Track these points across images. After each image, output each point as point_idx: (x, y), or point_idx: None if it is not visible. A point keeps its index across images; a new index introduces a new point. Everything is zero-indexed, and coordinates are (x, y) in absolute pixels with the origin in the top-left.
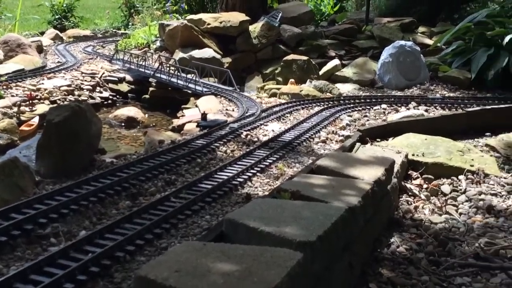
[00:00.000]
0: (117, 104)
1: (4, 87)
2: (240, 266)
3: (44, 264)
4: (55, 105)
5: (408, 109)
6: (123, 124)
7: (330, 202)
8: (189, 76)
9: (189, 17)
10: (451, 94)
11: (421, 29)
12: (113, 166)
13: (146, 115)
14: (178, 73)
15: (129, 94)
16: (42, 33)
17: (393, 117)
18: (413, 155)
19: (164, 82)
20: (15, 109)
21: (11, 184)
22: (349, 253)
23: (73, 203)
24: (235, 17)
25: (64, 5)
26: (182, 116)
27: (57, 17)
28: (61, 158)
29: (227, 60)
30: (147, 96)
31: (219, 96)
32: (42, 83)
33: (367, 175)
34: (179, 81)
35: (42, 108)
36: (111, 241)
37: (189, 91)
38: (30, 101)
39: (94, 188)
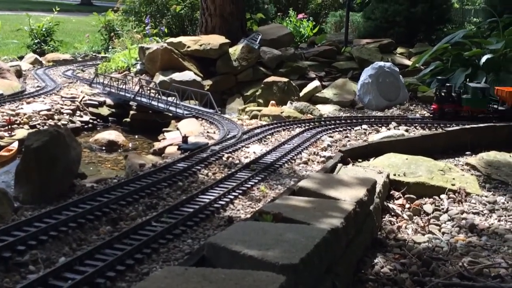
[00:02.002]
0: (98, 128)
1: None
2: None
3: None
4: (34, 129)
5: (389, 129)
6: (103, 148)
7: (313, 224)
8: (169, 99)
9: (169, 40)
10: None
11: (400, 50)
12: (93, 191)
13: (127, 139)
14: (159, 96)
15: (109, 118)
16: (21, 58)
17: (374, 137)
18: (394, 175)
19: (144, 105)
20: None
21: None
22: (333, 275)
23: (52, 229)
24: (215, 40)
25: (43, 29)
26: (163, 139)
27: (36, 41)
28: (40, 183)
29: (207, 82)
30: (128, 119)
31: (200, 119)
32: (21, 108)
33: (349, 196)
34: (159, 104)
35: (22, 133)
36: (91, 267)
37: (170, 114)
38: (9, 126)
39: (73, 214)
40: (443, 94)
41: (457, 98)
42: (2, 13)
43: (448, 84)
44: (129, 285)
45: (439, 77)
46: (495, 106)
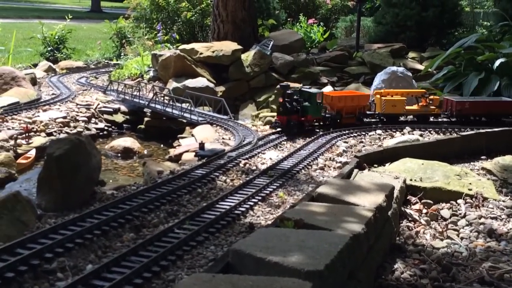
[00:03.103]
0: (113, 135)
1: (0, 120)
2: None
3: None
4: (51, 137)
5: (403, 134)
6: (119, 154)
7: (334, 230)
8: (183, 105)
9: (182, 47)
10: (445, 119)
11: (411, 54)
12: (114, 198)
13: (142, 146)
14: (173, 103)
15: (124, 125)
16: (35, 65)
17: (389, 142)
18: (411, 180)
19: (159, 112)
20: (12, 142)
21: (14, 219)
22: (355, 281)
23: (78, 236)
24: (227, 46)
25: (56, 37)
26: (179, 145)
27: (49, 49)
28: (63, 191)
29: (220, 89)
30: (142, 126)
31: (214, 125)
32: (38, 116)
33: (368, 202)
34: (174, 111)
35: (39, 140)
36: (118, 274)
37: (184, 121)
38: (27, 134)
39: (97, 221)
40: (288, 104)
41: (300, 107)
42: (13, 21)
43: (289, 92)
44: None
45: (282, 84)
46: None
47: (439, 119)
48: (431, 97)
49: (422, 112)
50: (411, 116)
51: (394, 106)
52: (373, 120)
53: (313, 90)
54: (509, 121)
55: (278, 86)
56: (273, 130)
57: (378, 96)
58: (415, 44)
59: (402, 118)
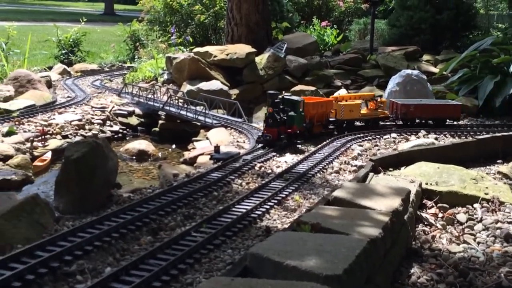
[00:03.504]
0: (127, 138)
1: (17, 123)
2: None
3: None
4: (67, 139)
5: (418, 137)
6: (134, 157)
7: (351, 234)
8: (198, 108)
9: (196, 49)
10: (460, 122)
11: (426, 57)
12: (131, 201)
13: (157, 148)
14: (187, 106)
15: (138, 127)
16: (50, 68)
17: (404, 146)
18: (426, 184)
19: (173, 115)
20: (28, 144)
21: (33, 222)
22: (372, 286)
23: (96, 239)
24: (241, 49)
25: (71, 39)
26: (193, 148)
27: (64, 51)
28: (80, 193)
29: (234, 91)
30: (156, 129)
31: (229, 128)
32: (54, 118)
33: (384, 206)
34: (188, 114)
35: (55, 143)
36: (137, 277)
37: (199, 123)
38: (43, 136)
39: (115, 224)
40: (276, 115)
41: (286, 117)
42: (28, 24)
43: (277, 100)
44: None
45: (270, 91)
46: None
47: (387, 122)
48: (380, 99)
49: (372, 116)
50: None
51: (351, 111)
52: (333, 127)
53: (296, 97)
54: (455, 124)
55: (268, 93)
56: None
57: (335, 101)
58: (429, 47)
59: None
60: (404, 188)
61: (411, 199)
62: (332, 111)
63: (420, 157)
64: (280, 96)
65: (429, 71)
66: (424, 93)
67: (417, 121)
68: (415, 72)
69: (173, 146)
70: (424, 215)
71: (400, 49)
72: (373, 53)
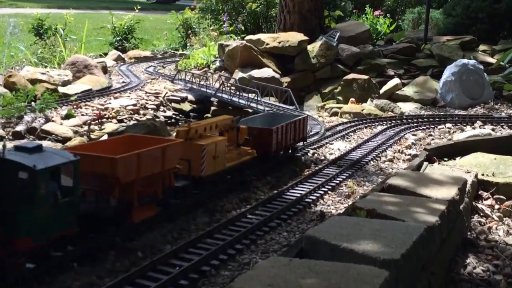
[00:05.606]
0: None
1: (75, 106)
2: (328, 282)
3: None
4: (122, 124)
5: (474, 128)
6: None
7: (407, 220)
8: (250, 95)
9: (248, 37)
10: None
11: (482, 47)
12: None
13: None
14: (239, 93)
15: (191, 113)
16: (105, 54)
17: (459, 136)
18: (482, 174)
19: (225, 101)
20: (86, 127)
21: None
22: (428, 273)
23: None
24: (294, 37)
25: (125, 27)
26: None
27: (118, 38)
28: None
29: (285, 79)
30: (209, 115)
31: None
32: (109, 103)
33: (440, 195)
34: (240, 101)
35: (110, 126)
36: (196, 255)
37: (251, 110)
38: (99, 120)
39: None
40: None
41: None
42: (84, 11)
43: None
44: (232, 274)
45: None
46: None
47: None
48: (241, 127)
49: (235, 162)
50: (482, 110)
51: (216, 158)
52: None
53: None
54: None
55: None
56: None
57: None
58: (486, 37)
59: (472, 112)
60: (460, 177)
61: (467, 189)
62: (178, 166)
63: (475, 147)
64: None
65: (485, 61)
66: (481, 84)
67: None
68: (472, 61)
69: None
70: (480, 206)
71: (455, 39)
72: (427, 43)
